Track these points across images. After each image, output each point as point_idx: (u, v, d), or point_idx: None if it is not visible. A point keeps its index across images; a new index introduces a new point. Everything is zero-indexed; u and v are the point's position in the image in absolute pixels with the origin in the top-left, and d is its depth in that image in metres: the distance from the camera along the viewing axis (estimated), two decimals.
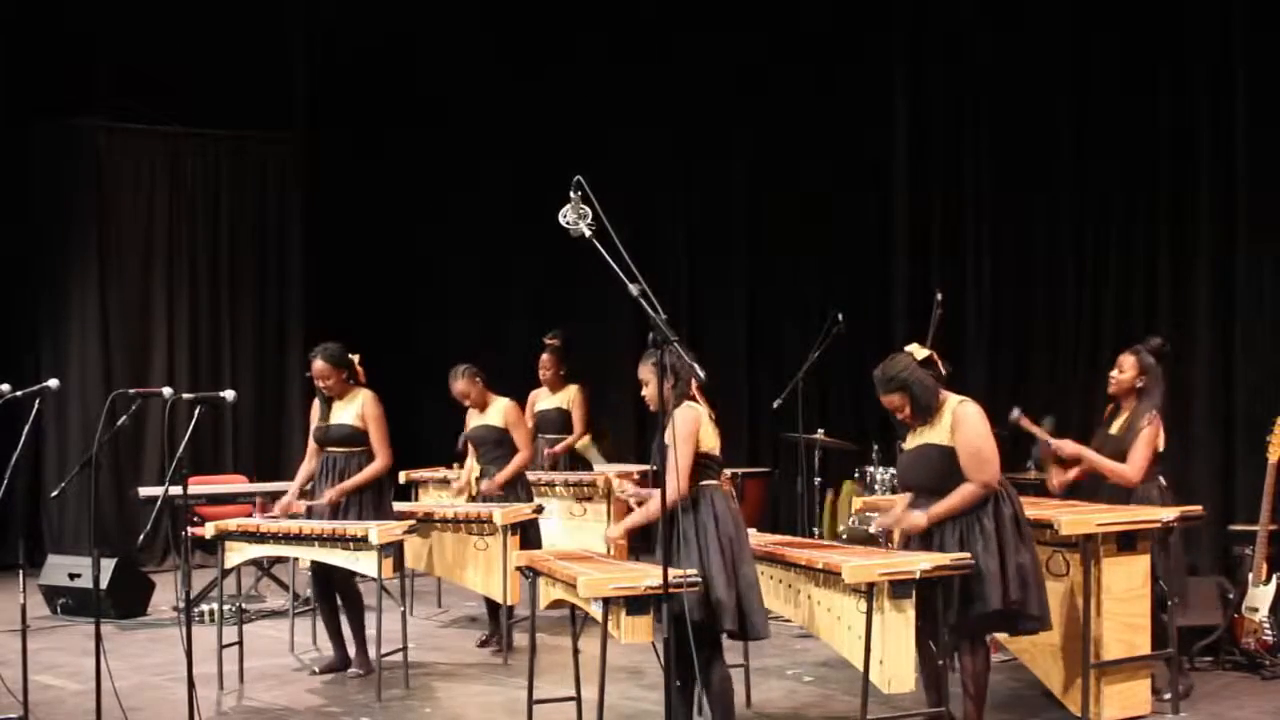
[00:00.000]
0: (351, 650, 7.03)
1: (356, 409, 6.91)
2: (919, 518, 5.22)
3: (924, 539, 5.28)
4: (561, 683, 6.08)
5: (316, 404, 7.04)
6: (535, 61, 11.68)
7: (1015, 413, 6.36)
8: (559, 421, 8.84)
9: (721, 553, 5.06)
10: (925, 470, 5.29)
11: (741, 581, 5.09)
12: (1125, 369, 6.27)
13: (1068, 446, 6.25)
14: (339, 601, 7.02)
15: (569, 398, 8.86)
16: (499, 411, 7.72)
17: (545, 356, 8.84)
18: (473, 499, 7.76)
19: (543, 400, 8.88)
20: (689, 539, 5.06)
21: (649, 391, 5.21)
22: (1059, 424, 6.62)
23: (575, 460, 8.90)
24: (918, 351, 5.36)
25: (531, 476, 8.05)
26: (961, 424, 5.23)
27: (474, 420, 7.79)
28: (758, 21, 10.39)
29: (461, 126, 12.05)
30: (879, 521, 5.74)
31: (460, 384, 7.70)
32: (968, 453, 5.21)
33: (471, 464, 7.86)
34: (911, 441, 5.39)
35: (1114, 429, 6.27)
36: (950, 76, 9.43)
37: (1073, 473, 6.39)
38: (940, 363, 5.38)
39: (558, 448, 8.79)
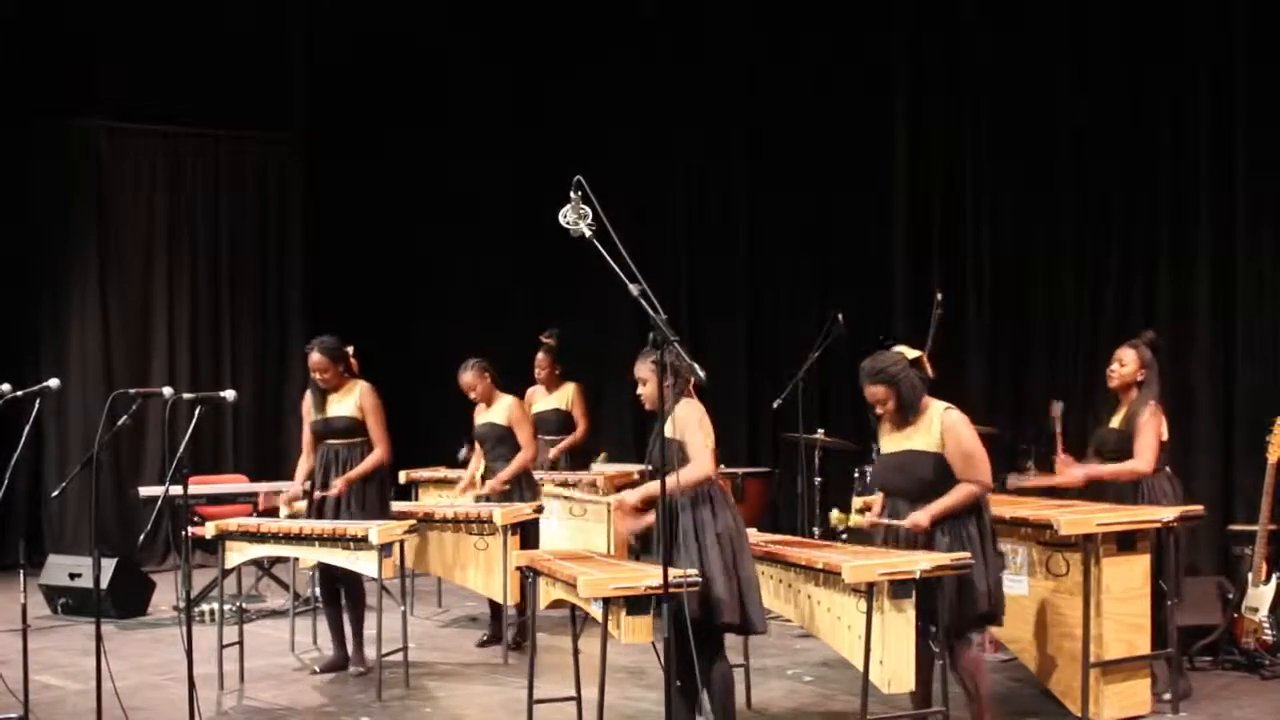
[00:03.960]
0: (350, 648, 7.03)
1: (355, 400, 6.91)
2: (921, 517, 5.22)
3: (910, 539, 5.26)
4: (561, 683, 6.08)
5: (309, 397, 7.04)
6: (535, 61, 11.67)
7: (1058, 408, 6.37)
8: (557, 422, 8.80)
9: (720, 549, 5.09)
10: (910, 476, 5.30)
11: (741, 576, 5.11)
12: (1126, 362, 6.26)
13: (1076, 473, 6.18)
14: (344, 599, 7.02)
15: (567, 397, 8.83)
16: (503, 409, 7.70)
17: (540, 356, 8.80)
18: (480, 498, 7.72)
19: (539, 400, 8.83)
20: (688, 535, 5.08)
21: (646, 390, 5.24)
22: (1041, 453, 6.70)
23: (575, 460, 8.86)
24: (907, 353, 5.38)
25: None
26: (951, 431, 5.26)
27: (479, 417, 7.78)
28: (758, 21, 10.39)
29: (461, 126, 12.05)
30: (870, 520, 5.74)
31: (468, 376, 7.67)
32: (961, 456, 5.23)
33: (477, 461, 7.85)
34: (890, 445, 5.39)
35: (1114, 422, 6.26)
36: (950, 76, 9.42)
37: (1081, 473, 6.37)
38: (928, 366, 5.39)
39: (558, 448, 8.75)
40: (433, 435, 9.99)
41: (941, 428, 5.26)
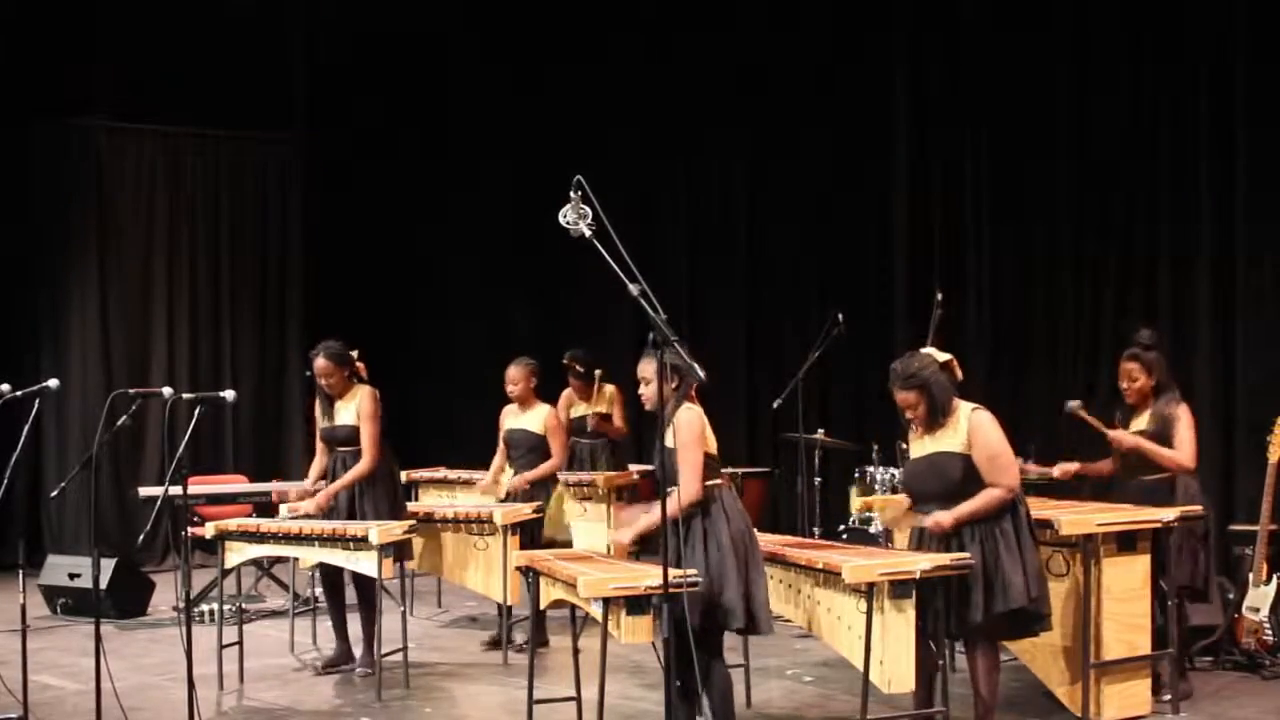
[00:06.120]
0: (358, 650, 7.02)
1: (355, 407, 6.90)
2: (944, 517, 5.21)
3: (943, 541, 5.26)
4: (561, 683, 6.08)
5: (318, 403, 7.03)
6: (535, 62, 11.68)
7: (1072, 404, 6.36)
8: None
9: (735, 552, 5.08)
10: (939, 478, 5.26)
11: (751, 577, 5.10)
12: (1136, 375, 6.24)
13: (1126, 439, 6.22)
14: (351, 600, 7.01)
15: (608, 401, 8.64)
16: (540, 418, 7.61)
17: (574, 382, 8.54)
18: (502, 500, 7.66)
19: (579, 407, 8.63)
20: (700, 539, 5.07)
21: (648, 391, 5.20)
22: (1042, 449, 6.72)
23: (580, 461, 8.77)
24: (938, 355, 5.36)
25: None
26: (978, 431, 5.22)
27: (512, 421, 7.68)
28: (758, 21, 10.39)
29: (461, 126, 12.05)
30: (885, 519, 5.70)
31: (516, 371, 7.58)
32: (987, 458, 5.20)
33: (500, 462, 7.77)
34: (919, 449, 5.36)
35: (1141, 424, 6.25)
36: (950, 77, 9.42)
37: (1075, 466, 6.44)
38: (957, 370, 5.37)
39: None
40: (432, 435, 9.99)
41: (969, 428, 5.23)
